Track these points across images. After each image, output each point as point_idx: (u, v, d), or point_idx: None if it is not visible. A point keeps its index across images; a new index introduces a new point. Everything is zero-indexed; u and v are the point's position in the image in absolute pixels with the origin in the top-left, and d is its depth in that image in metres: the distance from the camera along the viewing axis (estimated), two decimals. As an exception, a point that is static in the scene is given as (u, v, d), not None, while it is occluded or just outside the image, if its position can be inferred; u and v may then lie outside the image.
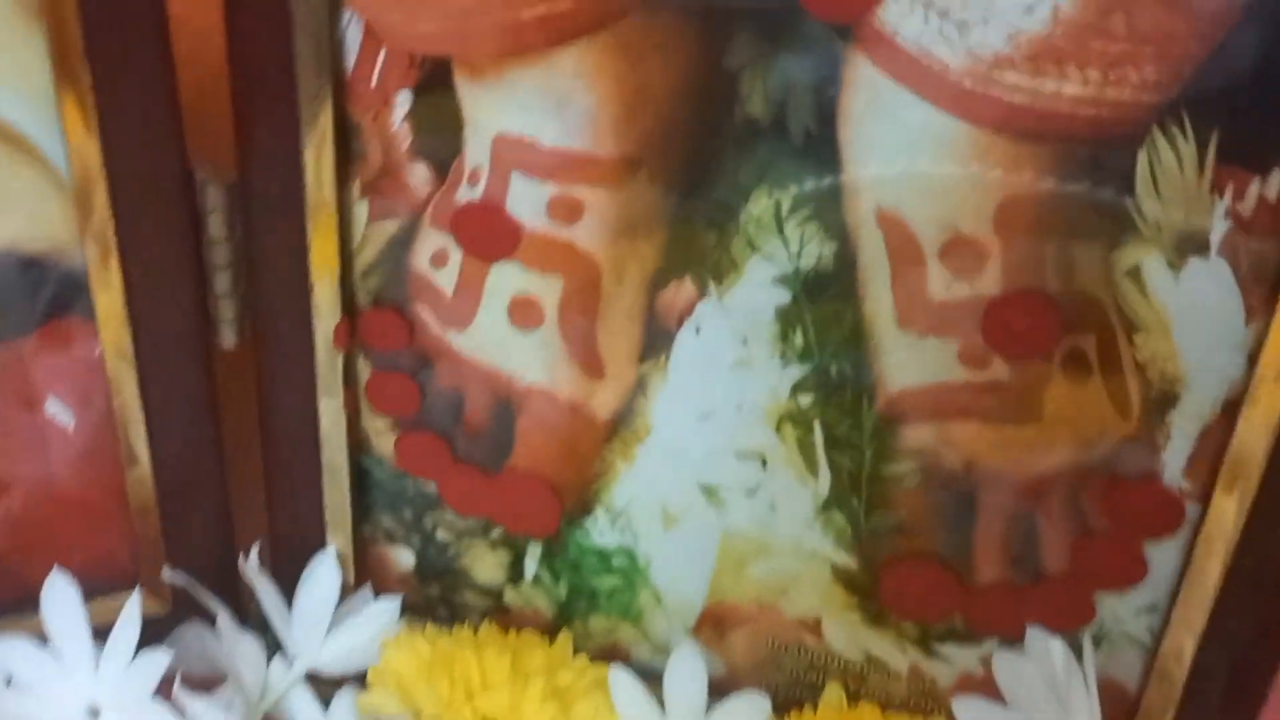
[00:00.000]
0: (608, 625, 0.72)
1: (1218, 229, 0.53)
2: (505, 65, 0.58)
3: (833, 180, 0.56)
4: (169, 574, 0.72)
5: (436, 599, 0.74)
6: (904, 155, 0.55)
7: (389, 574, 0.74)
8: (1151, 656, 0.63)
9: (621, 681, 0.68)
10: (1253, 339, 0.54)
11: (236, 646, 0.69)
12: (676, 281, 0.61)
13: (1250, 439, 0.55)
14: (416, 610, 0.74)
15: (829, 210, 0.57)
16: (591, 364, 0.64)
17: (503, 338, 0.65)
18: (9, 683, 0.68)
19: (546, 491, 0.68)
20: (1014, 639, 0.65)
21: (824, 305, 0.59)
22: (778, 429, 0.62)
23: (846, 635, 0.68)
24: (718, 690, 0.68)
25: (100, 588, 0.73)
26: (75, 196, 0.61)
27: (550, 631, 0.72)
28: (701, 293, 0.61)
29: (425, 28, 0.58)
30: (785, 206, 0.57)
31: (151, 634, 0.70)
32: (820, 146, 0.56)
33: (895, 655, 0.67)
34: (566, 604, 0.71)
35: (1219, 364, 0.56)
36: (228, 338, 0.68)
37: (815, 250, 0.58)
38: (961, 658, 0.66)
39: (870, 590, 0.66)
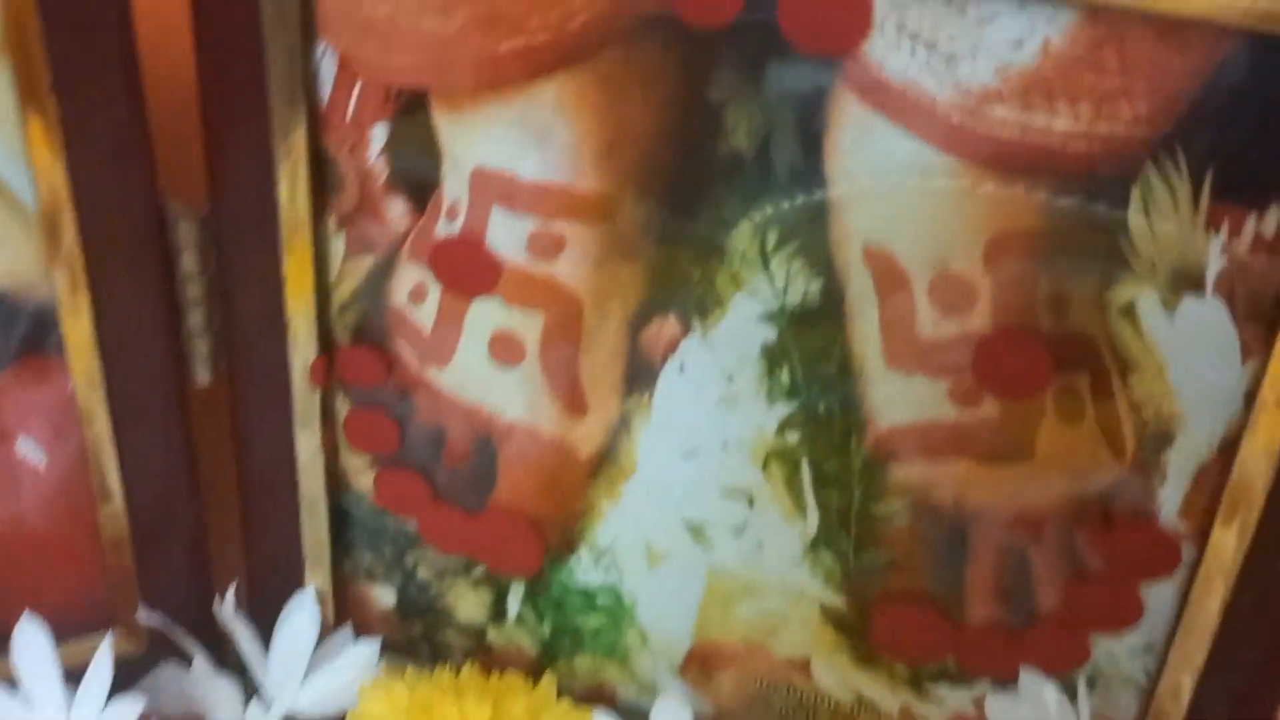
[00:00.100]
0: (593, 665, 0.71)
1: (1213, 266, 0.52)
2: (483, 98, 0.57)
3: (819, 215, 0.56)
4: (144, 614, 0.71)
5: (418, 637, 0.74)
6: (891, 190, 0.54)
7: (370, 612, 0.73)
8: (1148, 697, 0.62)
9: (606, 726, 0.66)
10: (1250, 377, 0.53)
11: (213, 689, 0.68)
12: (660, 317, 0.60)
13: (1251, 467, 0.54)
14: (398, 649, 0.74)
15: (815, 245, 0.56)
16: (574, 400, 0.63)
17: (483, 374, 0.64)
18: (-21, 728, 0.66)
19: (529, 529, 0.67)
20: (1007, 680, 0.64)
21: (811, 342, 0.58)
22: (764, 467, 0.62)
23: (836, 676, 0.67)
24: (705, 731, 0.66)
25: (74, 628, 0.72)
26: (43, 223, 0.61)
27: (534, 671, 0.71)
28: (686, 329, 0.60)
29: (401, 60, 0.57)
30: (770, 242, 0.56)
31: (126, 676, 0.70)
32: (806, 181, 0.55)
33: (886, 696, 0.66)
34: (550, 643, 0.71)
35: (1215, 403, 0.55)
36: (202, 375, 0.67)
37: (801, 286, 0.57)
38: (953, 699, 0.65)
39: (860, 630, 0.65)
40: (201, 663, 0.69)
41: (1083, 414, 0.56)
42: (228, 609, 0.69)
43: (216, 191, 0.63)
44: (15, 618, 0.68)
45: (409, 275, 0.62)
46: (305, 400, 0.66)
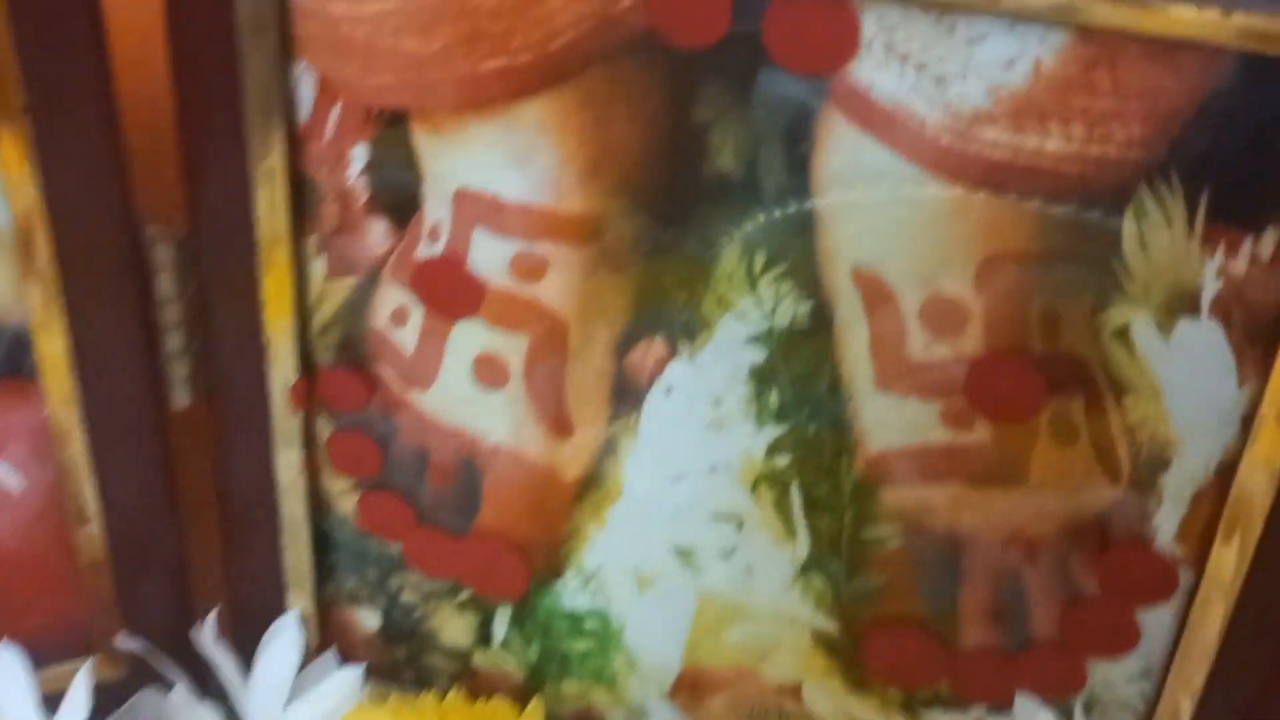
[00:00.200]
0: (581, 689, 0.70)
1: (1209, 289, 0.52)
2: (465, 119, 0.57)
3: (807, 237, 0.55)
4: (123, 640, 0.71)
5: (403, 662, 0.73)
6: (881, 212, 0.54)
7: (353, 636, 0.73)
8: (1146, 720, 0.61)
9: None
10: (1247, 401, 0.53)
11: (194, 716, 0.68)
12: (646, 340, 0.60)
13: (1251, 484, 0.54)
14: (382, 674, 0.73)
15: (803, 266, 0.56)
16: (559, 423, 0.62)
17: (467, 396, 0.63)
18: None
19: (514, 553, 0.67)
20: (1002, 706, 0.64)
21: (800, 364, 0.58)
22: (754, 490, 0.61)
23: (828, 701, 0.67)
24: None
25: (53, 654, 0.72)
26: (17, 241, 0.60)
27: (521, 696, 0.71)
28: (672, 351, 0.60)
29: (381, 80, 0.57)
30: (758, 263, 0.56)
31: (106, 702, 0.70)
32: (794, 202, 0.55)
33: (879, 721, 0.65)
34: (538, 667, 0.70)
35: (1212, 426, 0.55)
36: (180, 398, 0.67)
37: (790, 307, 0.57)
38: (948, 724, 0.64)
39: (852, 655, 0.65)
40: (182, 689, 0.69)
41: (1077, 437, 0.56)
42: (207, 635, 0.68)
43: (195, 212, 0.62)
44: (-6, 641, 0.67)
45: (391, 297, 0.62)
46: (286, 422, 0.66)
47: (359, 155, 0.59)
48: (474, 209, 0.58)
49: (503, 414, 0.63)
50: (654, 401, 0.61)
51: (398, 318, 0.62)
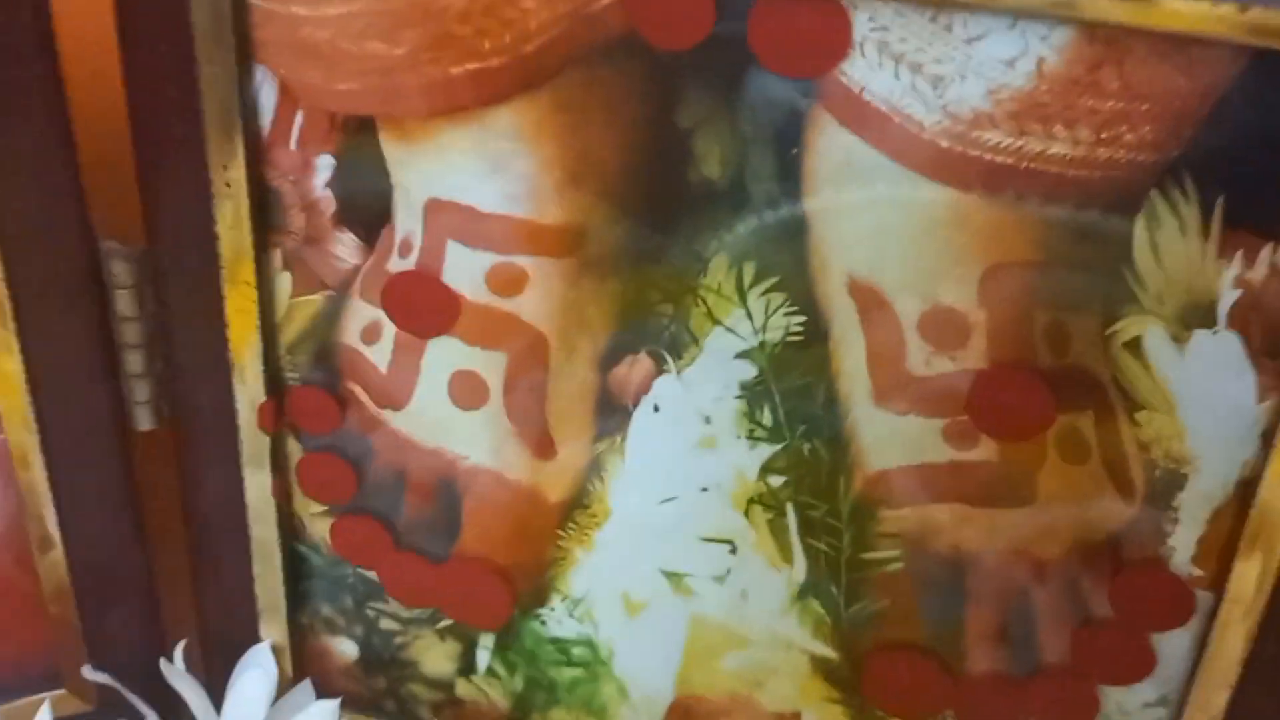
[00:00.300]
0: (570, 719, 0.68)
1: (1226, 298, 0.50)
2: (435, 126, 0.55)
3: (799, 246, 0.54)
4: (90, 671, 0.70)
5: (383, 692, 0.72)
6: (876, 220, 0.52)
7: (330, 666, 0.72)
8: (1163, 748, 0.60)
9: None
10: (1267, 415, 0.52)
11: (163, 752, 0.66)
12: (631, 356, 0.58)
13: (1273, 500, 0.52)
14: (361, 705, 0.72)
15: (796, 279, 0.54)
16: (541, 444, 0.61)
17: (444, 416, 0.62)
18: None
19: (497, 580, 0.66)
20: (1011, 735, 0.61)
21: (793, 380, 0.57)
22: (747, 512, 0.60)
23: (828, 730, 0.64)
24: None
25: (18, 686, 0.71)
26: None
27: (508, 725, 0.69)
28: (659, 367, 0.58)
29: (345, 86, 0.55)
30: (747, 275, 0.54)
31: (73, 737, 0.67)
32: (784, 211, 0.53)
33: (882, 750, 0.64)
34: (524, 696, 0.69)
35: (1230, 442, 0.53)
36: (143, 420, 0.65)
37: (782, 322, 0.55)
38: (954, 753, 0.63)
39: (853, 683, 0.63)
40: (152, 722, 0.66)
41: (1087, 455, 0.54)
42: (175, 667, 0.67)
43: (153, 227, 0.61)
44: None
45: (361, 313, 0.61)
46: (254, 444, 0.65)
47: (324, 165, 0.58)
48: (447, 220, 0.57)
49: (482, 433, 0.62)
50: (641, 419, 0.59)
51: (369, 334, 0.61)
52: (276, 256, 0.60)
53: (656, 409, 0.59)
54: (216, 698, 0.68)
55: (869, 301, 0.54)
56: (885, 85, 0.49)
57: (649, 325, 0.57)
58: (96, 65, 0.58)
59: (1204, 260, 0.50)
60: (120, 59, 0.57)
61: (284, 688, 0.70)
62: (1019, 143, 0.49)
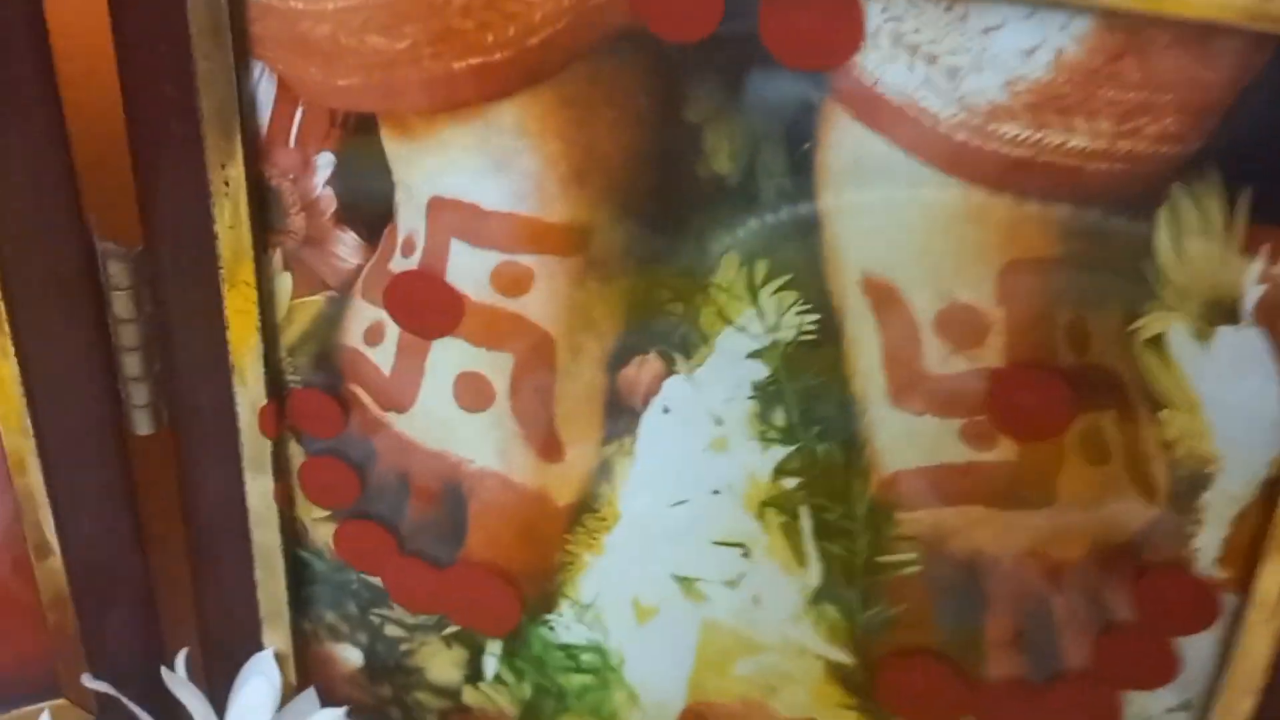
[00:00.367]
0: (579, 727, 0.67)
1: (1251, 294, 0.50)
2: (438, 122, 0.55)
3: (811, 244, 0.53)
4: (89, 680, 0.70)
5: (388, 700, 0.72)
6: (891, 216, 0.52)
7: (335, 673, 0.71)
8: (1187, 754, 0.59)
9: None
10: (1294, 413, 0.50)
11: (164, 762, 0.66)
12: (640, 357, 0.58)
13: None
14: (366, 712, 0.72)
15: (808, 276, 0.54)
16: (548, 446, 0.60)
17: (449, 419, 0.61)
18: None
19: (504, 585, 0.65)
20: (1030, 742, 0.60)
21: (807, 380, 0.56)
22: (760, 515, 0.59)
23: (844, 737, 0.63)
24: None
25: (16, 695, 0.71)
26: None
27: (516, 733, 0.68)
28: (669, 368, 0.57)
29: (345, 82, 0.55)
30: (759, 273, 0.54)
31: (72, 747, 0.67)
32: (796, 206, 0.52)
33: (899, 757, 0.63)
34: (532, 704, 0.69)
35: (1256, 441, 0.52)
36: (142, 424, 0.65)
37: (795, 320, 0.55)
38: (973, 760, 0.62)
39: (868, 689, 0.62)
40: (153, 732, 0.66)
41: (1109, 455, 0.54)
42: (177, 675, 0.67)
43: (150, 227, 0.60)
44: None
45: (364, 314, 0.60)
46: (256, 447, 0.64)
47: (325, 163, 0.57)
48: (450, 219, 0.56)
49: (488, 436, 0.61)
50: (650, 421, 0.59)
51: (372, 336, 0.61)
52: (276, 257, 0.60)
53: (666, 410, 0.58)
54: (218, 707, 0.68)
55: (884, 299, 0.53)
56: (899, 77, 0.49)
57: (658, 325, 0.56)
58: (91, 62, 0.57)
59: (1228, 255, 0.49)
60: (116, 56, 0.56)
61: (287, 696, 0.70)
62: (1037, 135, 0.48)
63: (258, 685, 0.67)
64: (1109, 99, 0.47)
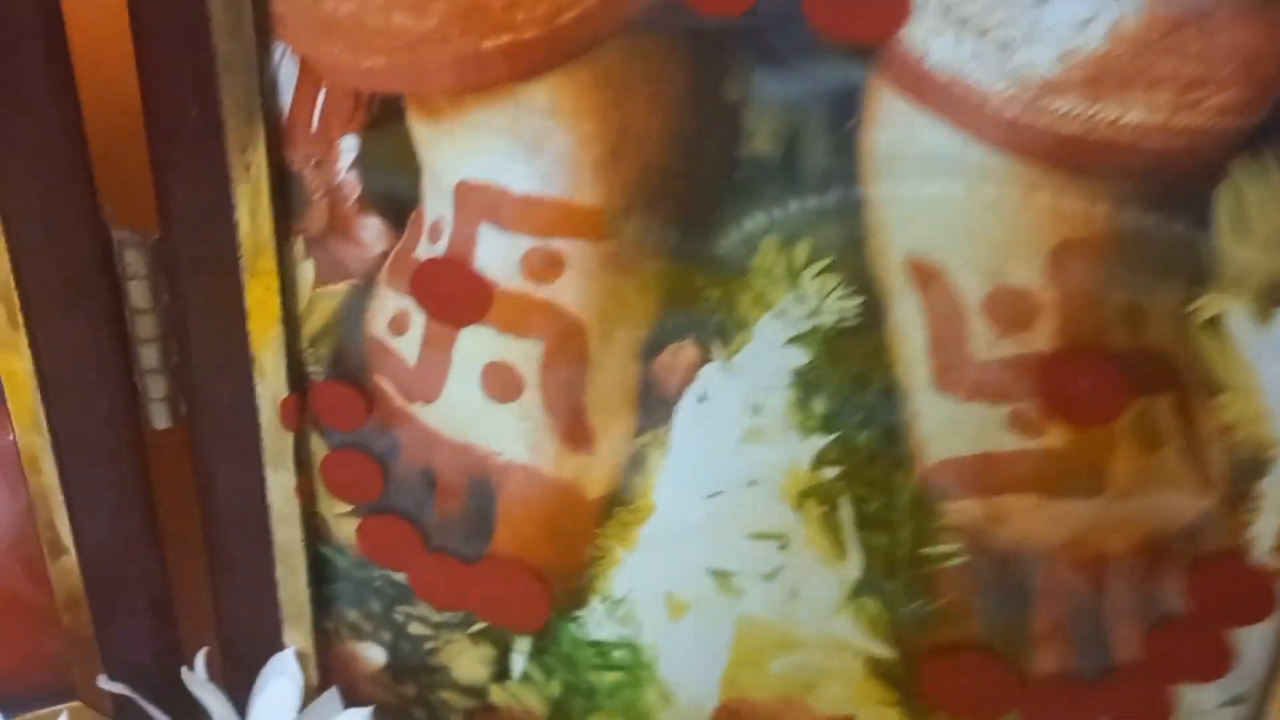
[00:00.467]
0: (609, 725, 0.66)
1: (1314, 273, 0.48)
2: (466, 103, 0.54)
3: (855, 225, 0.52)
4: (105, 681, 0.69)
5: (413, 700, 0.71)
6: (938, 196, 0.51)
7: (357, 673, 0.71)
8: (1241, 751, 0.58)
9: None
10: (1357, 397, 0.49)
11: (184, 766, 0.65)
12: (675, 344, 0.57)
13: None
14: (390, 713, 0.71)
15: (851, 259, 0.53)
16: (579, 437, 0.60)
17: (477, 410, 0.61)
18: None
19: (533, 581, 0.64)
20: (1079, 739, 0.59)
21: (849, 366, 0.55)
22: (798, 506, 0.58)
23: (885, 734, 0.62)
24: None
25: (30, 699, 0.70)
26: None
27: (544, 733, 0.67)
28: (705, 356, 0.56)
29: (371, 62, 0.54)
30: (800, 256, 0.53)
31: (87, 751, 0.66)
32: (839, 187, 0.51)
33: (941, 755, 0.62)
34: (561, 703, 0.68)
35: (1316, 426, 0.50)
36: (159, 418, 0.64)
37: (836, 305, 0.54)
38: (1019, 758, 0.61)
39: (910, 685, 0.61)
40: (171, 735, 0.65)
41: (1163, 441, 0.53)
42: (197, 676, 0.66)
43: (167, 214, 0.59)
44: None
45: (389, 303, 0.59)
46: (276, 442, 0.63)
47: (349, 147, 0.57)
48: (479, 203, 0.55)
49: (517, 428, 0.60)
50: (685, 410, 0.58)
51: (397, 325, 0.60)
52: (298, 245, 0.59)
53: (702, 399, 0.57)
54: (236, 708, 0.68)
55: (930, 281, 0.52)
56: (948, 51, 0.48)
57: (694, 311, 0.55)
58: (107, 46, 0.57)
59: (1291, 233, 0.47)
60: (132, 37, 0.55)
61: (308, 697, 0.69)
62: (1092, 110, 0.47)
63: (281, 686, 0.67)
64: (1168, 71, 0.46)
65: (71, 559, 0.67)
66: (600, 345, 0.57)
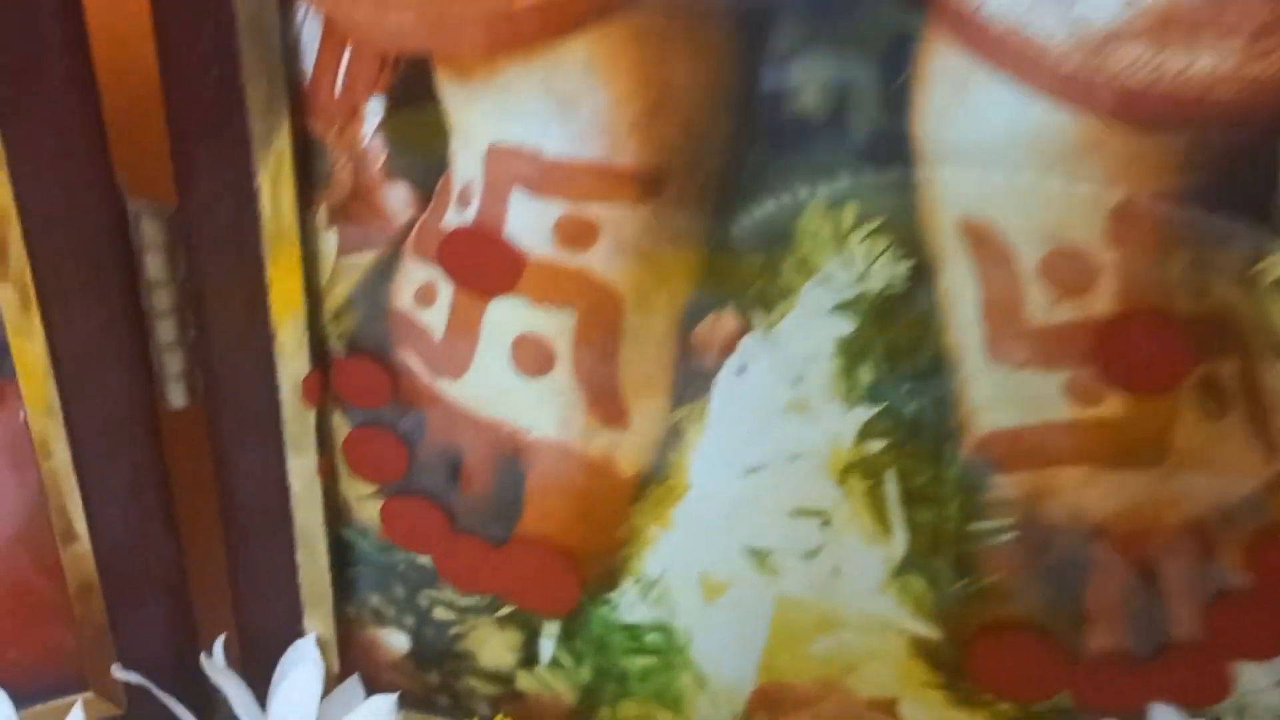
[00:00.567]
0: (642, 712, 0.66)
1: (1389, 230, 0.46)
2: (497, 62, 0.52)
3: (906, 186, 0.50)
4: (120, 671, 0.67)
5: (436, 687, 0.69)
6: (995, 153, 0.49)
7: (379, 660, 0.69)
8: (1299, 732, 0.57)
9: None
10: None
11: (202, 757, 0.63)
12: (715, 313, 0.55)
13: None
14: (413, 701, 0.69)
15: (902, 221, 0.51)
16: (613, 412, 0.58)
17: (506, 385, 0.59)
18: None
19: (563, 563, 0.63)
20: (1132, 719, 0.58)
21: (897, 334, 0.54)
22: (842, 481, 0.57)
23: (929, 717, 0.62)
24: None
25: (43, 689, 0.69)
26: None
27: (574, 720, 0.66)
28: (745, 325, 0.55)
29: (398, 20, 0.52)
30: (847, 219, 0.52)
31: (103, 741, 0.65)
32: (890, 146, 0.50)
33: (988, 739, 0.61)
34: (591, 688, 0.66)
35: (1388, 390, 0.49)
36: (176, 396, 0.62)
37: (885, 269, 0.52)
38: (1069, 741, 0.60)
39: (957, 665, 0.60)
40: (188, 725, 0.64)
41: (1226, 408, 0.51)
42: (217, 662, 0.64)
43: (185, 184, 0.57)
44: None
45: (415, 274, 0.58)
46: (297, 421, 0.62)
47: (374, 110, 0.55)
48: (510, 167, 0.54)
49: (548, 403, 0.59)
50: (724, 383, 0.56)
51: (424, 297, 0.58)
52: (321, 213, 0.57)
53: (742, 371, 0.56)
54: (255, 698, 0.66)
55: (984, 243, 0.51)
56: (1006, 1, 0.46)
57: (735, 277, 0.54)
58: (122, 6, 0.56)
59: (1365, 188, 0.46)
60: (148, -2, 0.53)
61: (329, 684, 0.68)
62: (1157, 60, 0.46)
63: (303, 673, 0.65)
64: (1240, 17, 0.44)
65: (84, 546, 0.65)
66: (635, 316, 0.56)
